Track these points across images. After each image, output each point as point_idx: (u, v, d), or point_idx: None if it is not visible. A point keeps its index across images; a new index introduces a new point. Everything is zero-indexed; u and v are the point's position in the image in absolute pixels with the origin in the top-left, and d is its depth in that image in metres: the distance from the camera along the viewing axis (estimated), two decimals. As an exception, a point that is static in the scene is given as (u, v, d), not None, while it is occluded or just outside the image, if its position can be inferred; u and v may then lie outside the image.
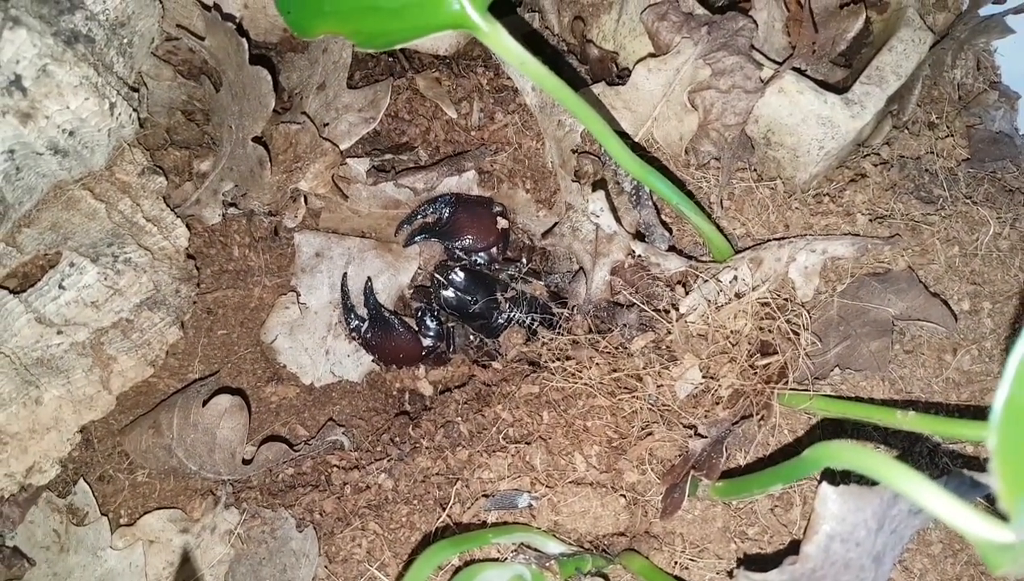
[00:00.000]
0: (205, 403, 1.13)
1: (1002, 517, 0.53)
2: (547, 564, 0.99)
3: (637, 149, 1.21)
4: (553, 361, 1.11)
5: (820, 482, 0.77)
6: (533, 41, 1.34)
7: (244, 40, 1.19)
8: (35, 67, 1.02)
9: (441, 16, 0.80)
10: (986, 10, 1.33)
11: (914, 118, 1.29)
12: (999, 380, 0.53)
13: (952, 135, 1.29)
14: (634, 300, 1.12)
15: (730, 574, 0.99)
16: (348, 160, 1.24)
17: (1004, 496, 0.53)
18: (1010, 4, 1.32)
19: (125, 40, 1.14)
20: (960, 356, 1.12)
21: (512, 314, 1.22)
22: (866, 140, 1.26)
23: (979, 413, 1.10)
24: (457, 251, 1.24)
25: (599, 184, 1.18)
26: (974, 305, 1.15)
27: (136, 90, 1.18)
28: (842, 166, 1.24)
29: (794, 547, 0.95)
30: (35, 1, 1.02)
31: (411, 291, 1.27)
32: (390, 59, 1.37)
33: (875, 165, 1.23)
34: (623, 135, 1.20)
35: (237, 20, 1.28)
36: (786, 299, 1.10)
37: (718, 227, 1.12)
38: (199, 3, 1.24)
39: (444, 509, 1.03)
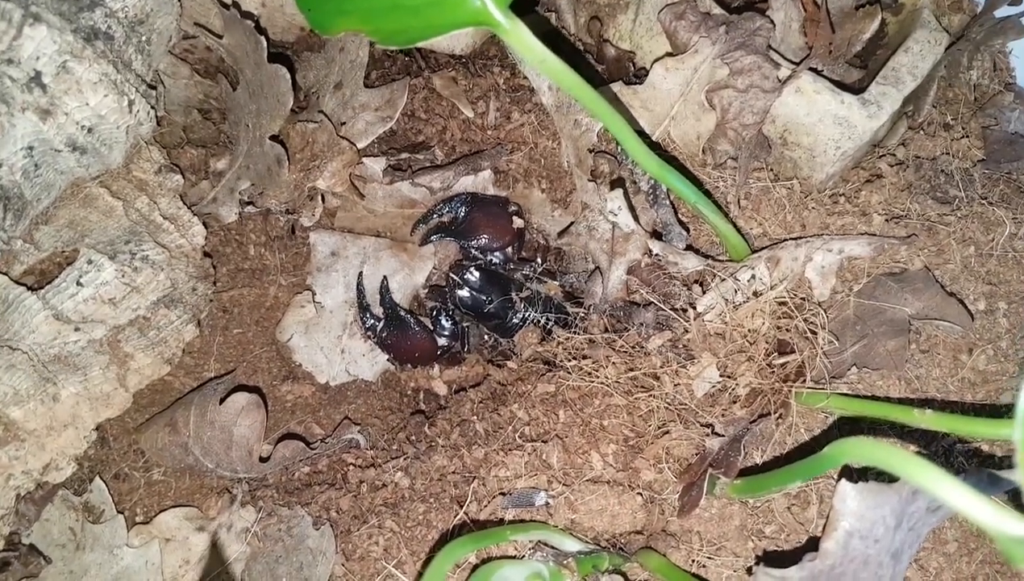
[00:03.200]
0: (222, 401, 1.13)
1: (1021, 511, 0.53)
2: (565, 562, 0.99)
3: (654, 148, 1.20)
4: (569, 360, 1.11)
5: (838, 480, 0.77)
6: (550, 40, 1.34)
7: (262, 38, 1.19)
8: (55, 64, 1.02)
9: (462, 13, 0.80)
10: (1001, 12, 1.33)
11: (930, 119, 1.29)
12: (1016, 379, 0.53)
13: (968, 136, 1.29)
14: (651, 299, 1.12)
15: (748, 571, 0.99)
16: (365, 159, 1.24)
17: (1029, 490, 0.53)
18: (1025, 6, 1.32)
19: (144, 38, 1.14)
20: (976, 356, 1.12)
21: (527, 314, 1.22)
22: (882, 141, 1.26)
23: (995, 412, 1.10)
24: (472, 250, 1.24)
25: (617, 183, 1.18)
26: (990, 305, 1.15)
27: (154, 88, 1.19)
28: (858, 166, 1.24)
29: (812, 545, 0.95)
30: (55, -2, 1.03)
31: (426, 290, 1.27)
32: (407, 58, 1.37)
33: (891, 165, 1.23)
34: (640, 134, 1.20)
35: (255, 18, 1.28)
36: (803, 298, 1.10)
37: (735, 226, 1.12)
38: (217, 1, 1.25)
39: (461, 507, 1.03)
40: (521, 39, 0.80)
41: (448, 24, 0.82)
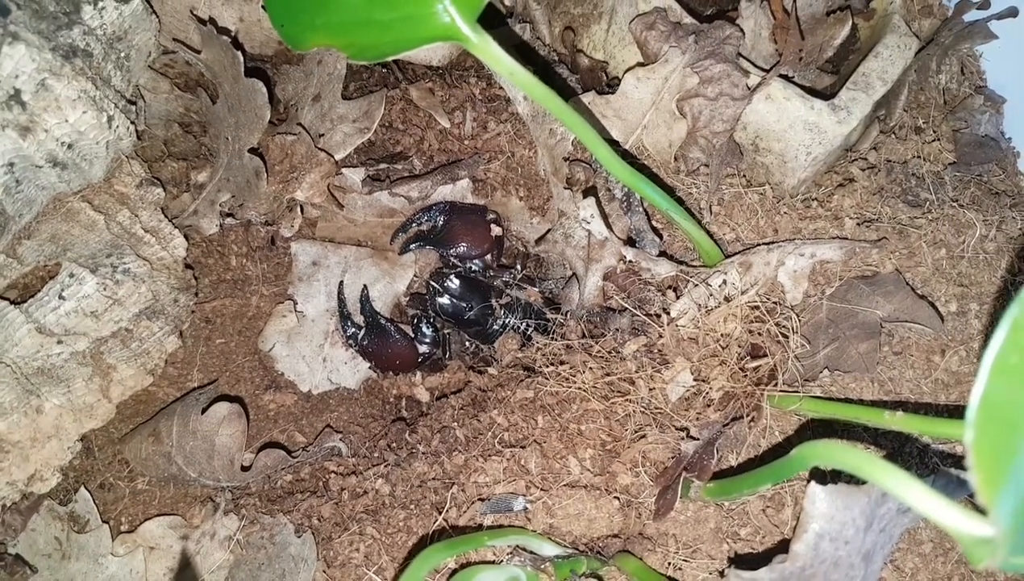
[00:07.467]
0: (204, 411, 1.14)
1: (982, 512, 0.54)
2: (542, 566, 0.99)
3: (627, 156, 1.22)
4: (547, 366, 1.12)
5: (809, 482, 0.78)
6: (524, 52, 1.35)
7: (239, 53, 1.19)
8: (34, 81, 1.03)
9: (431, 29, 0.81)
10: (970, 16, 1.34)
11: (901, 123, 1.30)
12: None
13: (938, 139, 1.30)
14: (626, 305, 1.13)
15: (722, 574, 1.00)
16: (343, 170, 1.25)
17: (982, 490, 0.53)
18: (994, 10, 1.33)
19: (122, 54, 1.15)
20: (948, 357, 1.12)
21: (507, 320, 1.23)
22: (853, 145, 1.27)
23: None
24: (452, 258, 1.25)
25: (590, 191, 1.20)
26: (961, 307, 1.16)
27: (133, 103, 1.20)
28: (830, 171, 1.25)
29: (785, 546, 0.96)
30: (33, 16, 1.03)
31: (407, 298, 1.28)
32: (384, 70, 1.38)
33: (862, 170, 1.24)
34: (613, 143, 1.21)
35: (232, 33, 1.29)
36: (775, 302, 1.11)
37: (708, 232, 1.13)
38: (195, 17, 1.26)
39: (440, 513, 1.04)
40: (490, 53, 0.82)
41: (418, 39, 0.83)
